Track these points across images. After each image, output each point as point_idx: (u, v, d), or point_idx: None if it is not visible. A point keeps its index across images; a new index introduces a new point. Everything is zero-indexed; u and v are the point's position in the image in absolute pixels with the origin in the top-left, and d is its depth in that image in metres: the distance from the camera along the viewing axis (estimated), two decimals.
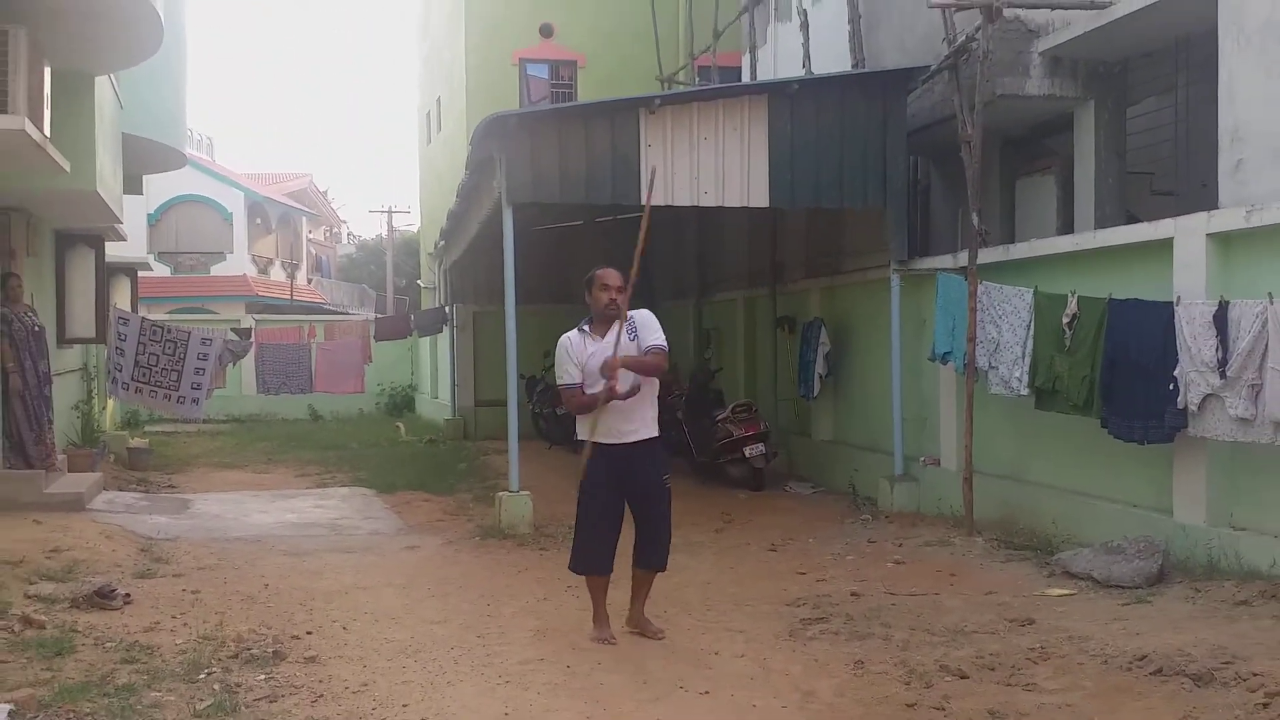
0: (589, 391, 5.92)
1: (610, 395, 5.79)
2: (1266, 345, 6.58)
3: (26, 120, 7.87)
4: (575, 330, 6.12)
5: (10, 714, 4.62)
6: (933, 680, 5.29)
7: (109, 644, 5.85)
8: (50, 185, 9.70)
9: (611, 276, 6.01)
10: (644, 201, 6.36)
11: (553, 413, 16.35)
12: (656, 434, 6.11)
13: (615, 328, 5.92)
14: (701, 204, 10.09)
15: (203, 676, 5.34)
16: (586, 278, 6.09)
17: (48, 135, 8.56)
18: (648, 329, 5.99)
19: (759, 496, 11.79)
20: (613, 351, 5.82)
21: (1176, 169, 11.17)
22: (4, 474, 9.83)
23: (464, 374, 19.61)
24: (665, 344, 6.02)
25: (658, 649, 5.98)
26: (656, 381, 6.13)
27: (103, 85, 10.55)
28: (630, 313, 6.02)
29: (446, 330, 19.93)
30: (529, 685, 5.35)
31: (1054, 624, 6.19)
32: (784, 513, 10.79)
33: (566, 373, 6.03)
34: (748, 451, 12.03)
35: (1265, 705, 4.55)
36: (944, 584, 7.47)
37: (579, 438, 6.10)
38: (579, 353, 6.00)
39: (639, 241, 6.11)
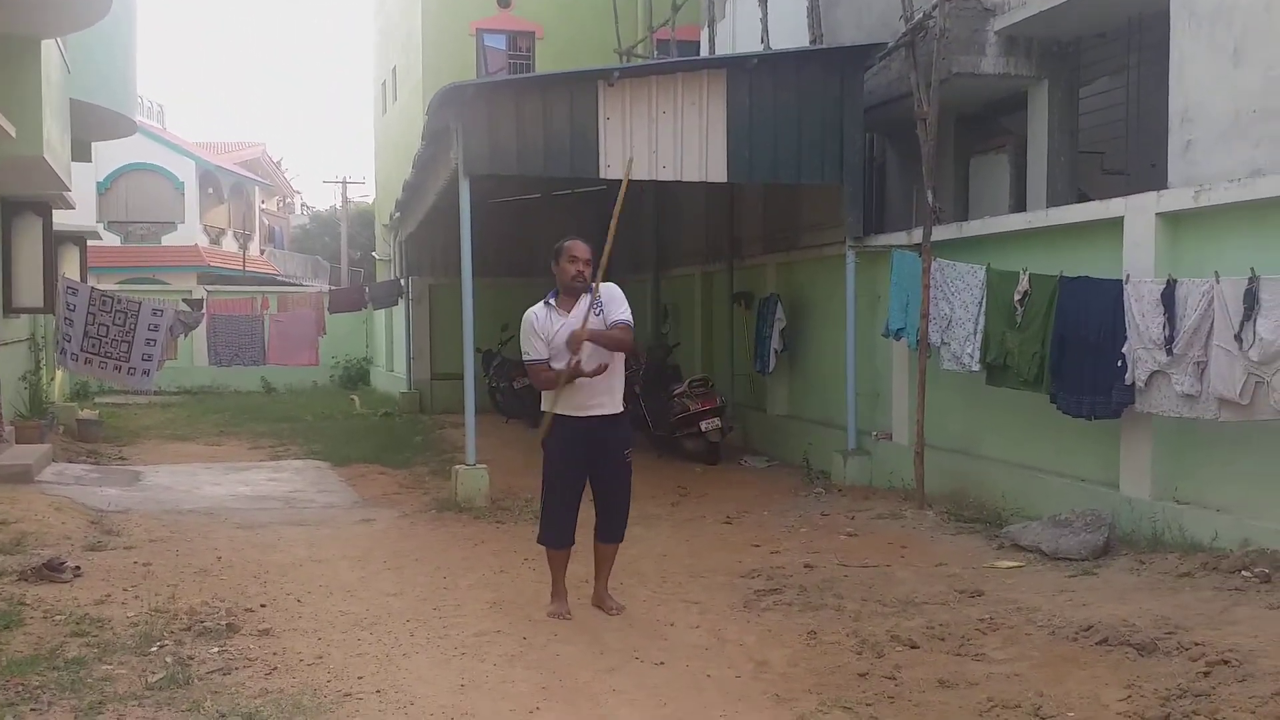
0: (554, 366, 5.86)
1: (575, 373, 5.74)
2: (1212, 323, 6.70)
3: None
4: (541, 304, 6.03)
5: None
6: (884, 650, 5.37)
7: (58, 617, 5.77)
8: None
9: (580, 248, 5.94)
10: (624, 176, 6.30)
11: (509, 386, 16.31)
12: (622, 409, 6.08)
13: (583, 301, 5.87)
14: (659, 179, 10.06)
15: (155, 649, 5.29)
16: (555, 247, 6.01)
17: None
18: (614, 303, 5.89)
19: (715, 470, 11.87)
20: (581, 325, 5.76)
21: (1127, 149, 11.33)
22: None
23: (420, 347, 19.48)
24: (631, 319, 5.93)
25: (614, 620, 6.01)
26: (622, 356, 6.07)
27: (49, 49, 10.32)
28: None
29: (402, 303, 19.79)
30: (485, 657, 5.37)
31: (1002, 595, 6.29)
32: (739, 486, 10.87)
33: (533, 348, 5.91)
34: (704, 425, 12.11)
35: (1206, 674, 4.65)
36: (895, 556, 7.57)
37: (544, 409, 6.07)
38: (544, 327, 5.91)
39: (613, 216, 6.09)
